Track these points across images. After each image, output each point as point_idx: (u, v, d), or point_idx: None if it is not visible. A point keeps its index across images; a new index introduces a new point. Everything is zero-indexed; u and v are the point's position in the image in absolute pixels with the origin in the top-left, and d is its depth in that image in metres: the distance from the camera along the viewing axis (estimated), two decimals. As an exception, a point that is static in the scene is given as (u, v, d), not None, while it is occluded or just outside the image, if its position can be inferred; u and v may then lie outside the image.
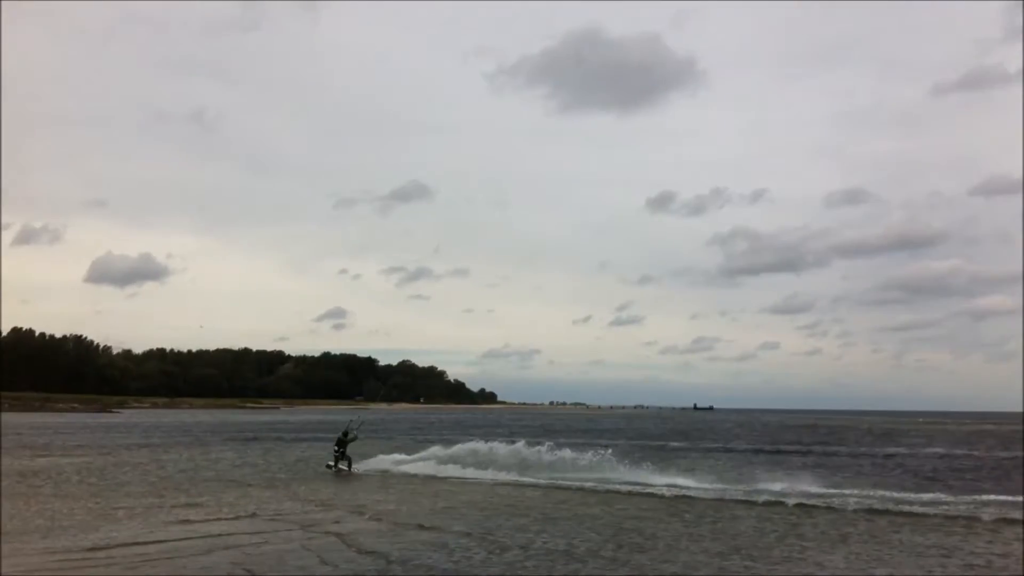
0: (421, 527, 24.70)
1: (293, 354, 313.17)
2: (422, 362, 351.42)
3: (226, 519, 26.14)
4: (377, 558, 19.98)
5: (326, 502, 30.90)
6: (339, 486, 36.77)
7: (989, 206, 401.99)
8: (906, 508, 29.97)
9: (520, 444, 47.45)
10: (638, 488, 35.76)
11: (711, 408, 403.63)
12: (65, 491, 33.23)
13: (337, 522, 25.77)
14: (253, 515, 27.13)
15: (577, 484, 37.22)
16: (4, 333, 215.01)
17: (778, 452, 64.71)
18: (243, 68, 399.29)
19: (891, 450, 67.53)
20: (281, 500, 31.34)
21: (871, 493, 34.53)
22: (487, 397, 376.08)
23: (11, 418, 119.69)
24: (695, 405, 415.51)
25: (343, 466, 43.22)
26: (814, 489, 35.90)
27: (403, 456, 48.17)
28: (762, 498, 32.34)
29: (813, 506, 30.35)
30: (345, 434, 44.46)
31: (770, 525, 25.96)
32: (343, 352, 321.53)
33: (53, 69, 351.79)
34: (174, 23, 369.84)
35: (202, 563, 19.19)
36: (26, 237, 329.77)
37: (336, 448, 44.35)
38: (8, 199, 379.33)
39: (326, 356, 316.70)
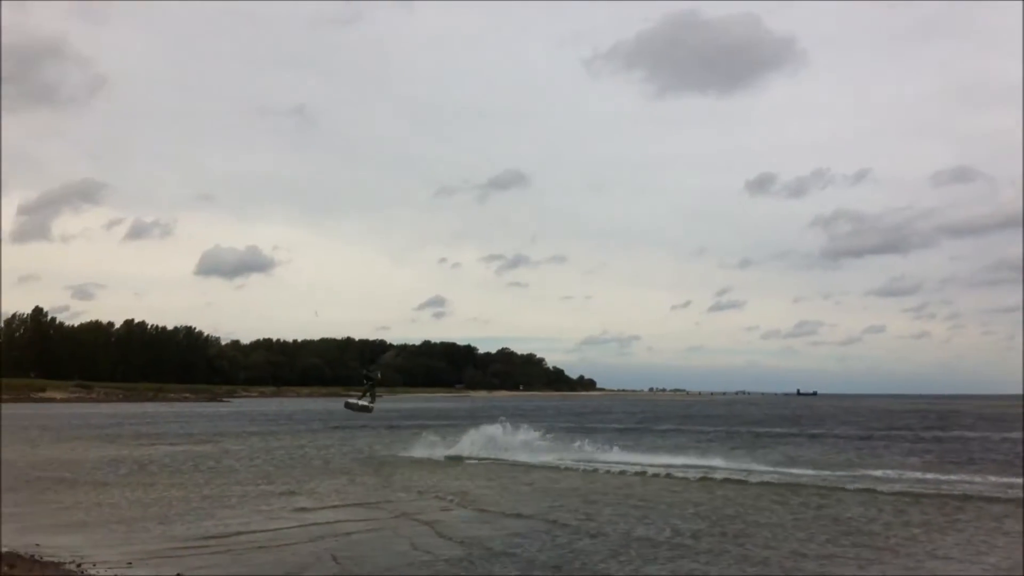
0: (519, 515, 24.91)
1: (394, 343, 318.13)
2: (521, 349, 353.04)
3: (331, 507, 26.83)
4: (476, 546, 20.23)
5: (427, 489, 31.35)
6: (437, 473, 37.20)
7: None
8: (1018, 495, 28.94)
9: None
10: (739, 474, 35.33)
11: (815, 394, 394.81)
12: (180, 479, 34.51)
13: (445, 509, 26.27)
14: (359, 503, 27.76)
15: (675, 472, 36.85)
16: (117, 326, 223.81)
17: (886, 437, 63.05)
18: (343, 62, 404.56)
19: (1005, 435, 65.15)
20: (383, 487, 31.97)
21: (978, 479, 33.48)
22: (586, 384, 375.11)
23: (126, 407, 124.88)
24: (798, 391, 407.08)
25: (366, 402, 44.90)
26: (919, 475, 34.98)
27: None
28: (865, 484, 31.62)
29: (920, 493, 29.55)
30: (369, 375, 47.26)
31: (875, 511, 25.41)
32: (443, 340, 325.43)
33: (160, 66, 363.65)
34: (277, 19, 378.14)
35: (309, 550, 19.76)
36: (138, 232, 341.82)
37: (365, 380, 46.76)
38: (120, 195, 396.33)
39: (427, 345, 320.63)
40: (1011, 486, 31.17)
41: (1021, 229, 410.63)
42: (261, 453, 47.37)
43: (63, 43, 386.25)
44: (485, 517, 24.83)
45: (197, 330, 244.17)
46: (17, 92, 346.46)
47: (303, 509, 26.25)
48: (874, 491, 30.20)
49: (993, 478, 33.94)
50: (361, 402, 45.13)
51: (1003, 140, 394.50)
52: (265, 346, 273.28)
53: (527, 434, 48.27)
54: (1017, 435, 65.40)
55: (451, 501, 28.06)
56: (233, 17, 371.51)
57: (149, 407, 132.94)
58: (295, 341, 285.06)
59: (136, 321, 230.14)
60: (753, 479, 34.13)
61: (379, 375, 47.44)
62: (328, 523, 23.49)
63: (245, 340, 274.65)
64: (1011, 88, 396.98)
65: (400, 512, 25.60)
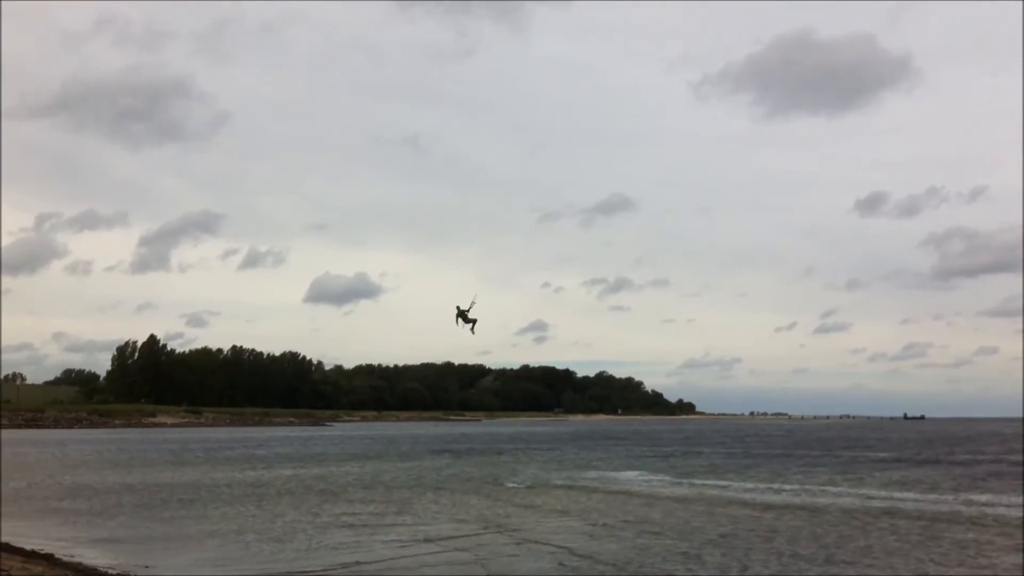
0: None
1: (494, 367, 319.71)
2: (620, 373, 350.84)
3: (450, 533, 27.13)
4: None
5: (534, 506, 31.44)
6: (533, 498, 37.22)
7: None
8: None
9: None
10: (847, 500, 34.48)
11: (922, 417, 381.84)
12: (295, 501, 35.32)
13: (556, 532, 26.31)
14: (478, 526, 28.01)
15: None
16: (225, 351, 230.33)
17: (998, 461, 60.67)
18: (457, 92, 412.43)
19: None
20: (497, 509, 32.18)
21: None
22: (685, 407, 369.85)
23: (234, 431, 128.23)
24: (905, 415, 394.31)
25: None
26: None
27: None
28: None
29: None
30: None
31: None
32: (542, 364, 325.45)
33: (280, 101, 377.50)
34: (394, 52, 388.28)
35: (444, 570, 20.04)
36: (252, 260, 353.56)
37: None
38: (236, 225, 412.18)
39: (525, 369, 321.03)
40: None
41: None
42: (369, 475, 48.13)
43: (190, 81, 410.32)
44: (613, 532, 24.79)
45: (302, 356, 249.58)
46: (145, 129, 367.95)
47: (420, 534, 26.57)
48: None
49: None
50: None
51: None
52: (367, 371, 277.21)
53: None
54: None
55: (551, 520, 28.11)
56: (351, 51, 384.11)
57: (254, 431, 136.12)
58: (396, 366, 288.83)
59: (244, 347, 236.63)
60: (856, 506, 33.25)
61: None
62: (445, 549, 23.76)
63: (350, 365, 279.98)
64: None
65: (512, 536, 25.74)
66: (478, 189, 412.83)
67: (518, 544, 24.12)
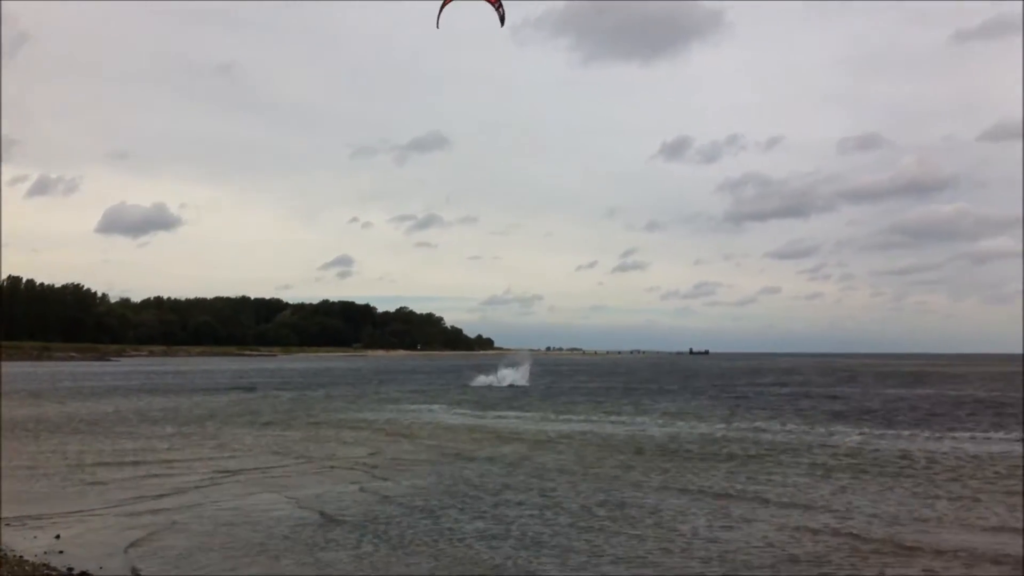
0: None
1: (293, 302, 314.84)
2: (423, 309, 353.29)
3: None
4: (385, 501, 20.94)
5: (330, 439, 31.89)
6: (328, 431, 37.70)
7: (998, 150, 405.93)
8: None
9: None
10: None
11: (706, 352, 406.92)
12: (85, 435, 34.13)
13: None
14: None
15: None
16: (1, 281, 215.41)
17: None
18: (273, 23, 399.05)
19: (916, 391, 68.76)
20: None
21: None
22: (484, 343, 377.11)
23: (9, 367, 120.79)
24: (691, 350, 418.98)
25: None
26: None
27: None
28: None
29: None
30: None
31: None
32: (342, 299, 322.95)
33: (84, 23, 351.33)
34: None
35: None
36: (42, 187, 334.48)
37: None
38: (29, 150, 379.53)
39: (324, 304, 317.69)
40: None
41: (916, 195, 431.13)
42: (158, 409, 46.99)
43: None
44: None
45: (86, 287, 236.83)
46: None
47: (213, 467, 26.45)
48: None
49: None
50: None
51: (907, 109, 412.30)
52: (156, 304, 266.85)
53: None
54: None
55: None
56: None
57: (34, 366, 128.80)
58: (187, 300, 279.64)
59: (22, 278, 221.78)
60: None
61: None
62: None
63: (141, 299, 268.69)
64: (918, 59, 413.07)
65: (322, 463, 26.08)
66: (290, 122, 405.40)
67: (317, 473, 24.55)
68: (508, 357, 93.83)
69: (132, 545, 15.65)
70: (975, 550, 15.36)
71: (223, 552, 15.26)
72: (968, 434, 35.52)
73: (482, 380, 79.06)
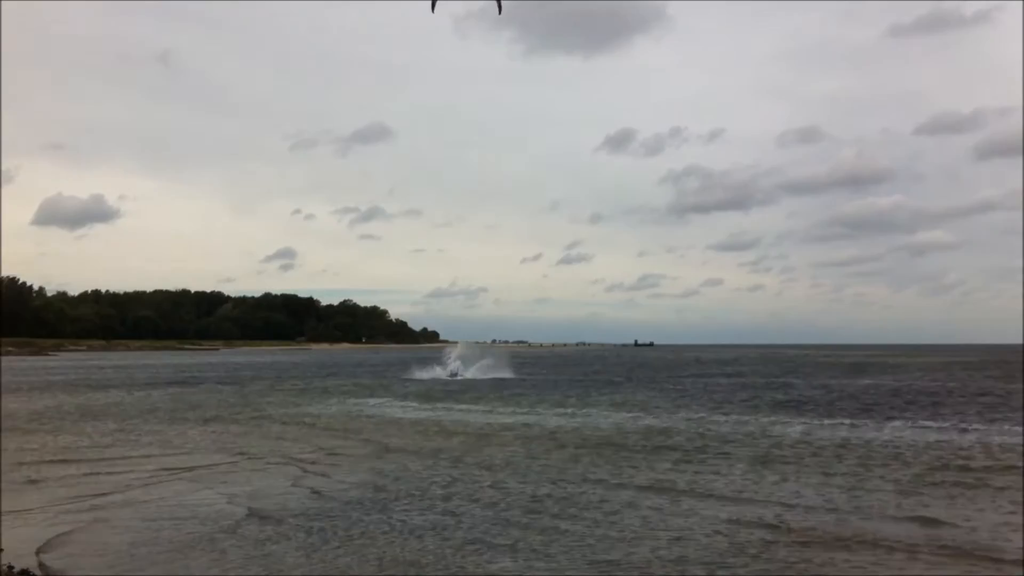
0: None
1: (234, 295, 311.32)
2: (367, 302, 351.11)
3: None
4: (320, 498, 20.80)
5: (272, 436, 31.62)
6: (271, 427, 37.40)
7: (934, 143, 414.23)
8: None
9: None
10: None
11: (651, 344, 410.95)
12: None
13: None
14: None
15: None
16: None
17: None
18: (214, 11, 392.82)
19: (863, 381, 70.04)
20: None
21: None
22: (429, 336, 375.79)
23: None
24: (635, 341, 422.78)
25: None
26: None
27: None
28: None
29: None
30: None
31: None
32: (284, 293, 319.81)
33: (14, 8, 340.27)
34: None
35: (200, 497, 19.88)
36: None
37: None
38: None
39: (267, 297, 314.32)
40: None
41: (854, 188, 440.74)
42: (99, 405, 46.16)
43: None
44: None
45: (21, 281, 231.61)
46: None
47: (155, 464, 26.07)
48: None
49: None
50: None
51: (846, 102, 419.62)
52: (94, 298, 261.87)
53: None
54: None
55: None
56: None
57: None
58: (126, 293, 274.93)
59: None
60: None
61: None
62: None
63: (78, 292, 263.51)
64: (857, 53, 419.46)
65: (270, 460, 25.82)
66: (231, 112, 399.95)
67: (260, 469, 24.33)
68: (447, 351, 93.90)
69: (61, 542, 15.61)
70: (911, 539, 15.74)
71: (152, 548, 15.17)
72: (908, 423, 36.32)
73: (429, 373, 79.04)
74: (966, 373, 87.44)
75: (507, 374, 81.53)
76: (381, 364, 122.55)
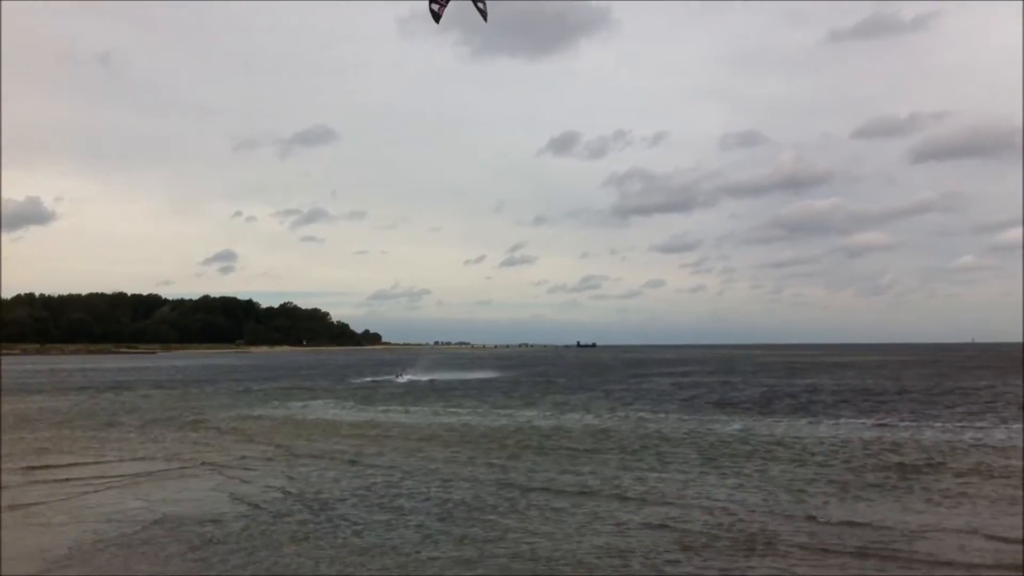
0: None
1: (172, 298, 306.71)
2: (308, 304, 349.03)
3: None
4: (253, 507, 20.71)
5: (209, 443, 31.31)
6: (211, 432, 37.04)
7: (871, 147, 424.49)
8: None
9: None
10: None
11: (594, 345, 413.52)
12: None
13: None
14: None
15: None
16: None
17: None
18: (156, 11, 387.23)
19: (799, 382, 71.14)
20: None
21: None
22: (371, 338, 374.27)
23: None
24: (578, 343, 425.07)
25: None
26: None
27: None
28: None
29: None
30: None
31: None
32: (224, 295, 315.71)
33: None
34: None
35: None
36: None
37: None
38: None
39: (205, 300, 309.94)
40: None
41: (794, 190, 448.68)
42: (35, 411, 45.23)
43: None
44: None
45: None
46: None
47: (91, 472, 25.64)
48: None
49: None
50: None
51: (786, 106, 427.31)
52: (27, 301, 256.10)
53: None
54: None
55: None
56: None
57: None
58: (60, 296, 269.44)
59: None
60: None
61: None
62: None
63: (10, 295, 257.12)
64: (793, 56, 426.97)
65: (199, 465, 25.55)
66: (170, 113, 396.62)
67: (196, 475, 24.08)
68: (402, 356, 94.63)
69: None
70: (841, 541, 16.17)
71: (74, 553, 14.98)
72: (841, 421, 37.12)
73: (373, 378, 79.08)
74: (900, 372, 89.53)
75: (449, 376, 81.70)
76: (319, 366, 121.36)
